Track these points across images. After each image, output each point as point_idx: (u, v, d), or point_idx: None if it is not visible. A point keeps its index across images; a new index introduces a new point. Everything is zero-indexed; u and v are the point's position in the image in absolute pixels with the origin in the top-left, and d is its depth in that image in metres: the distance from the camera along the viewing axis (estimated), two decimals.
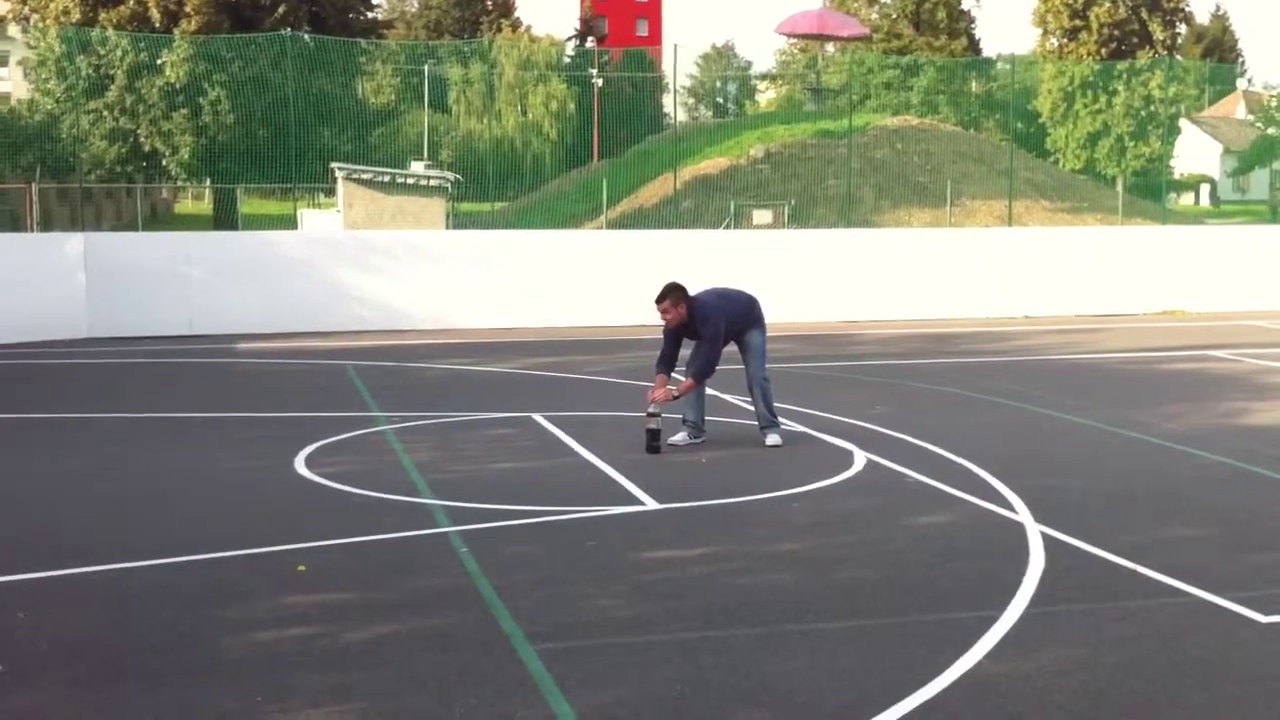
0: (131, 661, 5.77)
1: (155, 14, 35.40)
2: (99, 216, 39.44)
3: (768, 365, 10.92)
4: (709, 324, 10.43)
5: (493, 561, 7.27)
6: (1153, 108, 42.79)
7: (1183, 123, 53.89)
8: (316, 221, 26.79)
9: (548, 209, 35.40)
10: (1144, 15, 48.62)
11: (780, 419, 10.99)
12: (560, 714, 5.18)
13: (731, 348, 10.79)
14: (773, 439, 10.69)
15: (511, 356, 16.73)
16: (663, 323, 10.57)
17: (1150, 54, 46.74)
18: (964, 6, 64.68)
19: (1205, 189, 68.29)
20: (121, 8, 35.74)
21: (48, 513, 8.63)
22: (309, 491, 9.10)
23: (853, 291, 21.47)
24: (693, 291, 10.63)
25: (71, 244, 19.13)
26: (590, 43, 68.72)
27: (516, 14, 75.38)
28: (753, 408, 10.97)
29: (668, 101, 50.67)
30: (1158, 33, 48.96)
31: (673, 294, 10.39)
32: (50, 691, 5.45)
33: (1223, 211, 58.06)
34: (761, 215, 31.07)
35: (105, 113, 34.04)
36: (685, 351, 10.80)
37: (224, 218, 34.87)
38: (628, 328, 19.76)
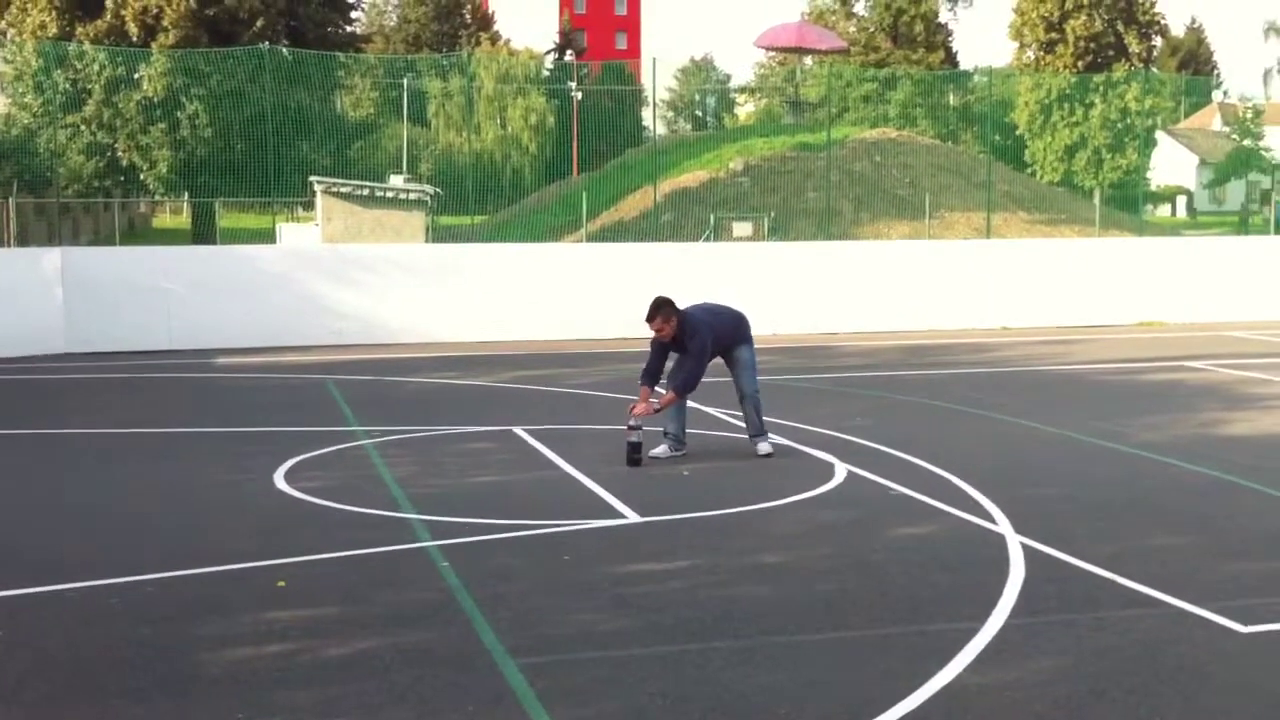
0: (110, 678, 5.74)
1: (133, 28, 35.33)
2: (76, 231, 39.24)
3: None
4: (696, 339, 10.47)
5: (474, 575, 7.25)
6: (1129, 120, 43.01)
7: (1159, 135, 54.21)
8: (295, 235, 26.72)
9: (527, 222, 35.38)
10: (1120, 28, 48.92)
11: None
12: None
13: (718, 361, 10.82)
14: (764, 447, 10.74)
15: (491, 369, 16.71)
16: (651, 335, 10.62)
17: (1126, 67, 47.01)
18: (941, 20, 65.00)
19: (1182, 200, 68.74)
20: (99, 22, 35.66)
21: (26, 529, 8.58)
22: (289, 506, 9.07)
23: (832, 303, 21.51)
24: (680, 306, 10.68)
25: (49, 258, 19.03)
26: (569, 56, 68.82)
27: (495, 28, 75.54)
28: (742, 420, 11.01)
29: (647, 115, 50.75)
30: (1134, 45, 49.26)
31: (663, 310, 10.42)
32: (28, 709, 5.41)
33: (1199, 223, 58.41)
34: (741, 228, 31.13)
35: (82, 127, 33.93)
36: (670, 364, 10.82)
37: (202, 231, 34.73)
38: (608, 341, 19.75)
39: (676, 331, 10.46)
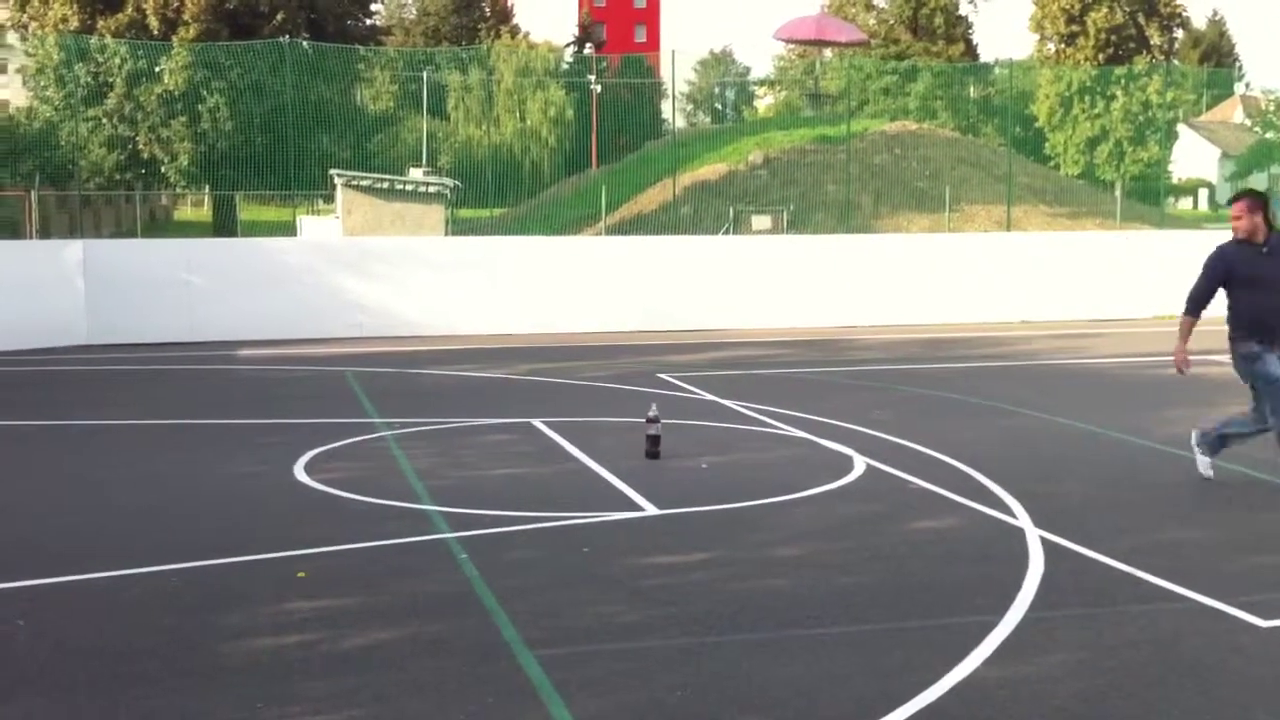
0: (131, 668, 5.77)
1: (154, 21, 35.46)
2: (98, 224, 39.42)
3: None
4: None
5: (493, 567, 7.27)
6: (1150, 113, 42.81)
7: (1180, 127, 53.91)
8: (315, 228, 26.79)
9: (547, 215, 35.39)
10: (1141, 20, 48.71)
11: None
12: (559, 719, 5.18)
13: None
14: None
15: (511, 362, 16.74)
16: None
17: (1148, 59, 46.79)
18: (961, 12, 64.76)
19: (1204, 193, 68.35)
20: (120, 15, 35.80)
21: (47, 519, 8.63)
22: (309, 497, 9.11)
23: (851, 297, 21.49)
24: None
25: (71, 251, 19.14)
26: (588, 49, 68.76)
27: (515, 20, 75.52)
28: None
29: (666, 107, 50.64)
30: (1155, 38, 49.06)
31: (1251, 196, 8.60)
32: (50, 698, 5.45)
33: (1221, 216, 58.04)
34: (760, 221, 31.08)
35: (104, 120, 34.06)
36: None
37: (223, 224, 34.86)
38: (627, 333, 19.77)
39: (1262, 234, 8.53)
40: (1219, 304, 20.78)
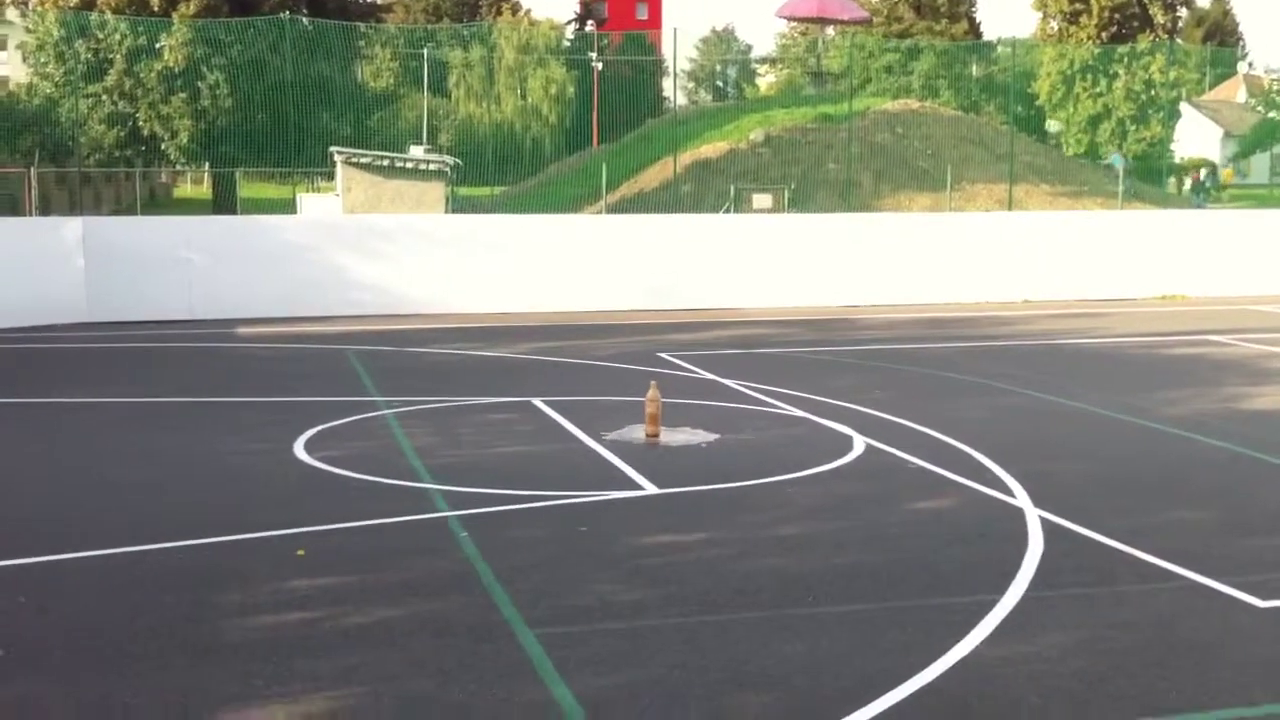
0: (133, 645, 5.78)
1: None
2: (98, 200, 39.34)
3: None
4: None
5: (492, 546, 7.28)
6: (1153, 92, 42.70)
7: (1183, 106, 53.75)
8: (315, 205, 26.72)
9: (547, 193, 35.30)
10: None
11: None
12: (559, 698, 5.20)
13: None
14: None
15: (511, 341, 16.73)
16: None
17: (1150, 38, 46.63)
18: None
19: (1206, 173, 68.15)
20: None
21: (48, 497, 8.64)
22: (309, 476, 9.12)
23: (853, 276, 21.45)
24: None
25: (70, 228, 19.10)
26: (590, 26, 68.56)
27: None
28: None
29: (667, 85, 50.57)
30: (1158, 16, 48.88)
31: None
32: (52, 675, 5.46)
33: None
34: (761, 199, 30.97)
35: (104, 97, 33.97)
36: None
37: (223, 202, 34.77)
38: (628, 312, 19.76)
39: None
40: (1217, 283, 20.77)
